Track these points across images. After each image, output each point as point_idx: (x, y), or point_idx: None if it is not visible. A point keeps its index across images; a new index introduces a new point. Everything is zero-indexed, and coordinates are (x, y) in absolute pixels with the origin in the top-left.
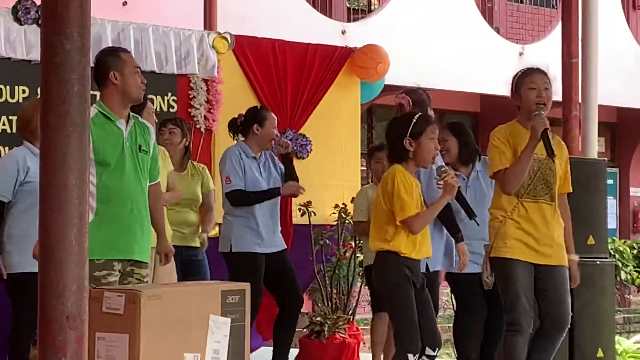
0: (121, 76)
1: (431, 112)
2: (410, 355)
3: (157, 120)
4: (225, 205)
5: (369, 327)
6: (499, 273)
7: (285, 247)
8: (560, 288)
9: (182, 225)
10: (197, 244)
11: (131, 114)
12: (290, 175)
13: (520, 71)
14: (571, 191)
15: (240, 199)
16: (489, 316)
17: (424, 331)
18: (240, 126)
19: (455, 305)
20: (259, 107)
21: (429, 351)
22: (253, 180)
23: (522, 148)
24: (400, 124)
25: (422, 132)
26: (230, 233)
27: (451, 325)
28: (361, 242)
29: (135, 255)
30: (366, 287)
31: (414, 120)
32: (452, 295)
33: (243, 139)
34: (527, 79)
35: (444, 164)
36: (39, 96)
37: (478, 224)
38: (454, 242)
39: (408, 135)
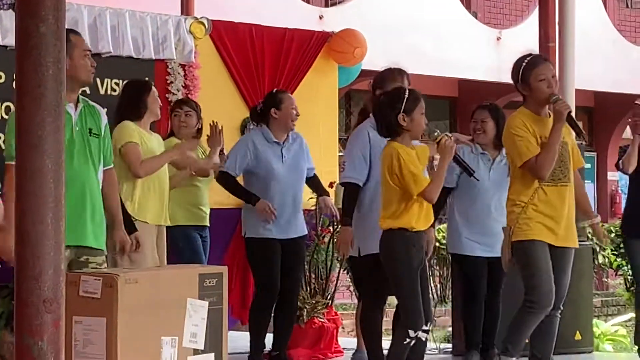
0: (70, 60)
1: None
2: (410, 331)
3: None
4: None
5: (348, 312)
6: (522, 254)
7: (305, 232)
8: (567, 270)
9: (198, 204)
10: (208, 223)
11: (80, 97)
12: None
13: (524, 61)
14: (583, 165)
15: (223, 181)
16: (487, 299)
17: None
18: (261, 112)
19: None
20: (274, 91)
21: (423, 326)
22: (267, 166)
23: (540, 133)
24: (392, 101)
25: (414, 107)
26: (246, 218)
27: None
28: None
29: (86, 242)
30: (345, 271)
31: (406, 96)
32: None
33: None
34: (536, 71)
35: (432, 130)
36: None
37: (478, 180)
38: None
39: (402, 111)
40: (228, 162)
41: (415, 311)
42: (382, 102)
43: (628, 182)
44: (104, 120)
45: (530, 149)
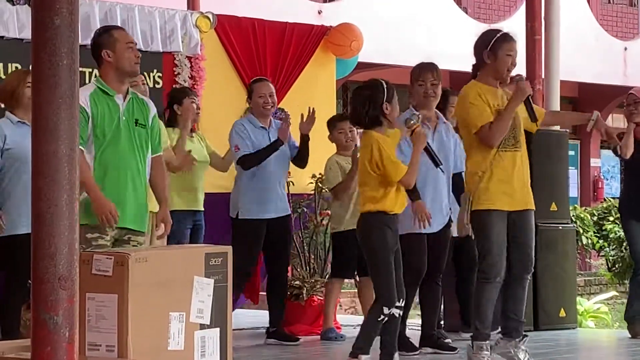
0: (113, 53)
1: None
2: (385, 309)
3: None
4: (236, 174)
5: (346, 290)
6: (477, 223)
7: (289, 212)
8: (529, 232)
9: (193, 189)
10: (202, 207)
11: (130, 89)
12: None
13: (497, 33)
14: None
15: (250, 162)
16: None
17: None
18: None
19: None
20: (251, 80)
21: (397, 302)
22: (257, 149)
23: (493, 102)
24: (374, 93)
25: (393, 96)
26: (237, 200)
27: None
28: (327, 208)
29: (128, 224)
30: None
31: (385, 86)
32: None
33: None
34: (507, 45)
35: (412, 116)
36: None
37: (443, 172)
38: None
39: (385, 100)
40: (241, 148)
41: (390, 289)
42: (364, 95)
43: (623, 167)
44: (152, 112)
45: (485, 116)
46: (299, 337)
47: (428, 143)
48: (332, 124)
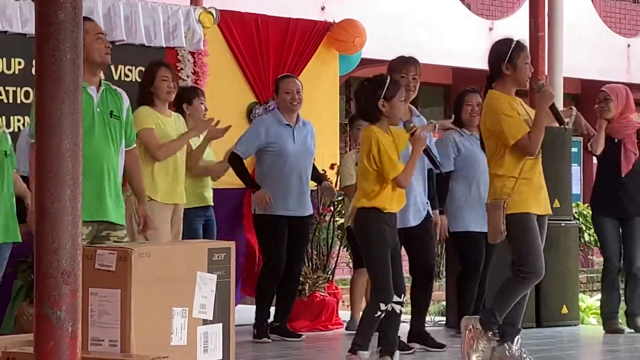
0: (83, 45)
1: None
2: (382, 304)
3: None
4: (256, 168)
5: (348, 286)
6: (515, 226)
7: (312, 212)
8: (543, 236)
9: (203, 186)
10: (212, 203)
11: (103, 81)
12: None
13: (512, 42)
14: None
15: (233, 162)
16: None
17: (394, 282)
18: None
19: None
20: (277, 78)
21: (396, 298)
22: (282, 146)
23: (521, 112)
24: (373, 88)
25: (394, 94)
26: (257, 196)
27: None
28: (340, 205)
29: (107, 216)
30: (345, 248)
31: (387, 83)
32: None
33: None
34: (524, 54)
35: (410, 119)
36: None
37: (444, 174)
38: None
39: (382, 97)
40: (239, 145)
41: (386, 285)
42: (364, 88)
43: (596, 163)
44: (126, 103)
45: (522, 128)
46: (302, 333)
47: (428, 146)
48: (352, 121)
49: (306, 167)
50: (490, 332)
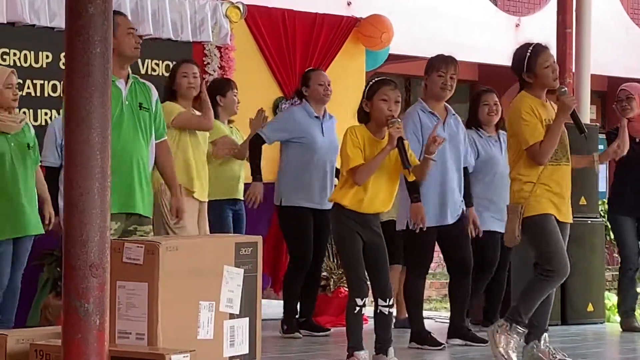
0: (114, 39)
1: None
2: (357, 300)
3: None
4: (280, 158)
5: None
6: (536, 228)
7: None
8: (565, 243)
9: (234, 178)
10: (242, 196)
11: (131, 74)
12: None
13: (528, 48)
14: None
15: (253, 143)
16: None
17: (374, 285)
18: (300, 91)
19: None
20: (306, 71)
21: (381, 302)
22: (311, 139)
23: (545, 117)
24: (365, 89)
25: (374, 93)
26: (280, 186)
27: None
28: None
29: (136, 209)
30: None
31: (371, 82)
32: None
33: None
34: (540, 59)
35: (394, 117)
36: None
37: (410, 173)
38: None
39: (365, 97)
40: (266, 129)
41: (358, 280)
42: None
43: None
44: (154, 95)
45: (536, 135)
46: (329, 328)
47: (402, 144)
48: None
49: (332, 160)
50: (519, 328)
